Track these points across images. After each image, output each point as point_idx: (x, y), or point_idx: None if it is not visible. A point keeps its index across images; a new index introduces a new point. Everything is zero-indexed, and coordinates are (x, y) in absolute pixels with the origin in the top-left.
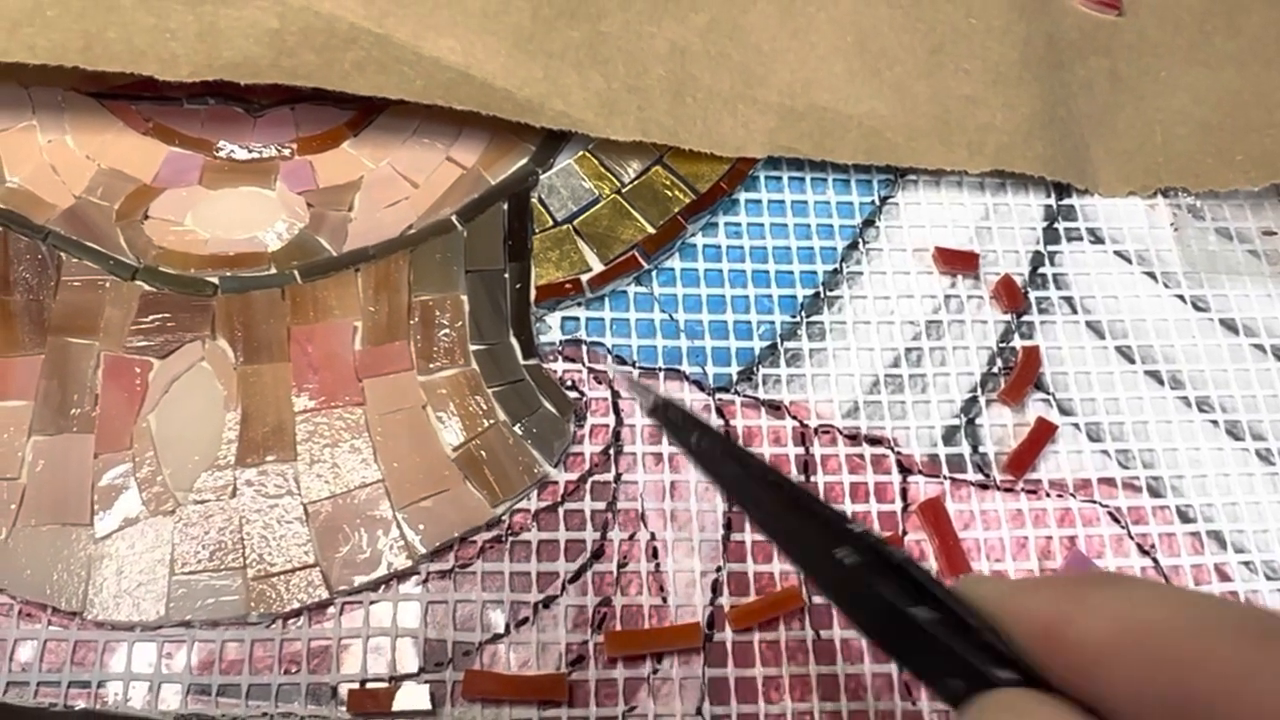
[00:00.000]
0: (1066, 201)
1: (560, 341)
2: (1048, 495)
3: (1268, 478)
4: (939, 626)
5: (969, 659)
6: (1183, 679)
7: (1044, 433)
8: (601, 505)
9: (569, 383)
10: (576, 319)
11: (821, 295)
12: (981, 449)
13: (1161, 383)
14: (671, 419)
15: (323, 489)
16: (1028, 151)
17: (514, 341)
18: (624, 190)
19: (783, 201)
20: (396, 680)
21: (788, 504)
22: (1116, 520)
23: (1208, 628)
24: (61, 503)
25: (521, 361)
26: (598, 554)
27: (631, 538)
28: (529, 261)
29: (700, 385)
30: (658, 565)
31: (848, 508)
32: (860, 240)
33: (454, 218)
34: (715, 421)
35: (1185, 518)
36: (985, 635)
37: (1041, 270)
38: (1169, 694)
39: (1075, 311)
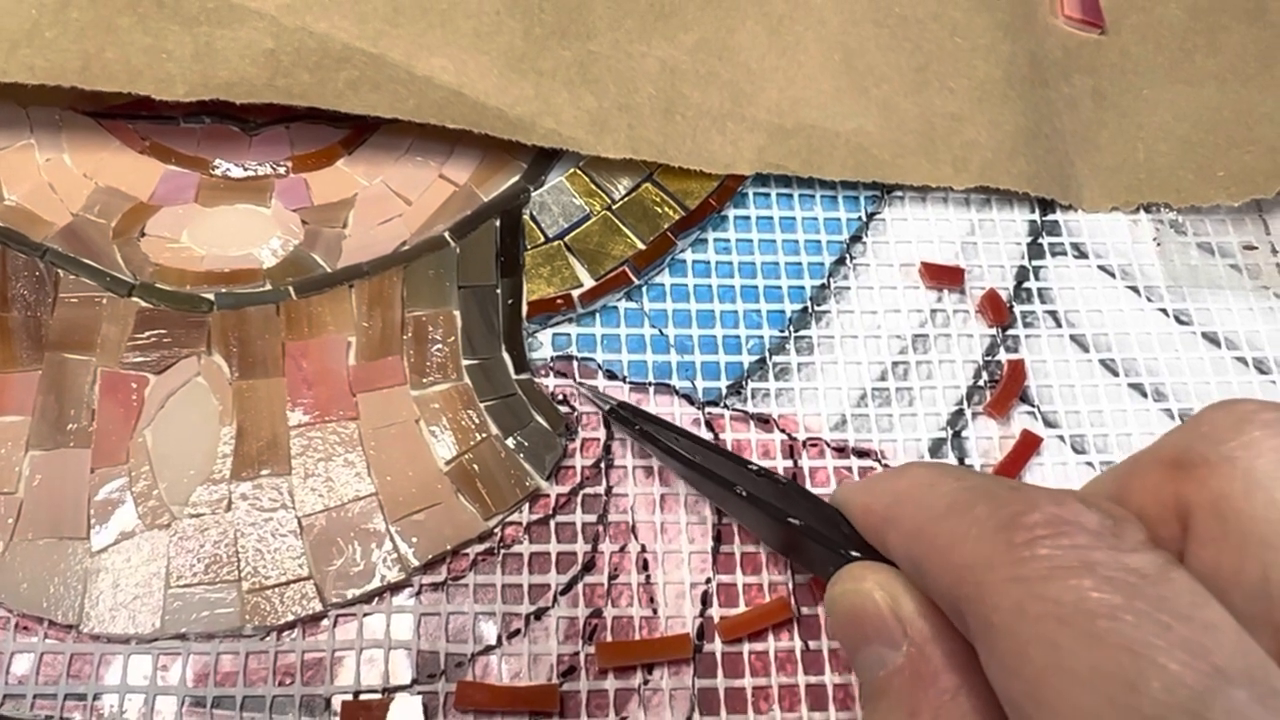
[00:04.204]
0: (1051, 217)
1: (552, 357)
2: None
3: None
4: (810, 529)
5: (832, 549)
6: (913, 550)
7: (1029, 445)
8: (593, 518)
9: (560, 397)
10: (568, 334)
11: (809, 310)
12: (967, 461)
13: (1145, 395)
14: (623, 417)
15: (317, 502)
16: (1012, 168)
17: (506, 356)
18: (614, 207)
19: (771, 218)
20: (390, 692)
21: (708, 458)
22: None
23: (934, 506)
24: (58, 517)
25: (513, 376)
26: (589, 566)
27: (622, 550)
28: (521, 277)
29: (690, 399)
30: (648, 577)
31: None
32: (848, 256)
33: (447, 234)
34: (704, 435)
35: None
36: (844, 529)
37: (1026, 285)
38: (915, 562)
39: (1060, 325)
